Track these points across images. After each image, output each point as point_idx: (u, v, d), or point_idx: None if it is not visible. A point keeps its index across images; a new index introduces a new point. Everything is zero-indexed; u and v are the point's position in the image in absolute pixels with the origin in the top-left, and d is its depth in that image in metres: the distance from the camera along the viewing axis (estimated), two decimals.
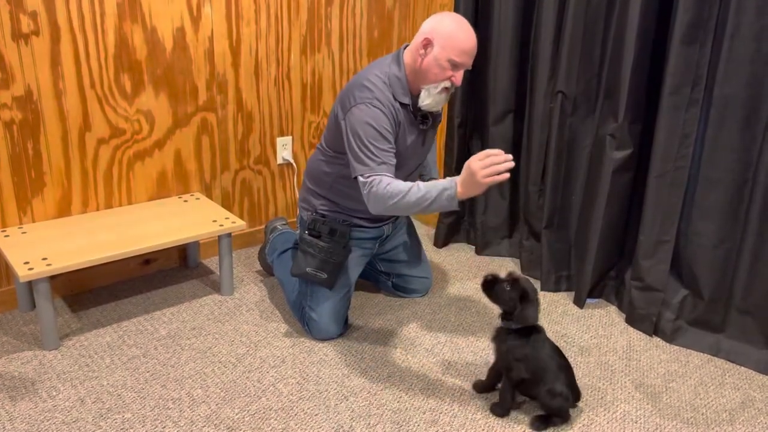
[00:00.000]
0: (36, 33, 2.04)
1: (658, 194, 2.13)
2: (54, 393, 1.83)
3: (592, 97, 2.31)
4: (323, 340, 2.13)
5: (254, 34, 2.51)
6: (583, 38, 2.24)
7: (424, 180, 2.28)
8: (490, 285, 1.75)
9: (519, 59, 2.53)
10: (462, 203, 2.81)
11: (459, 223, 2.90)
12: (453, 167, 2.77)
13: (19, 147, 2.11)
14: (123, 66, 2.23)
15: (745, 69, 1.90)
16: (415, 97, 1.97)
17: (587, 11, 2.21)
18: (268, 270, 2.51)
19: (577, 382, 1.95)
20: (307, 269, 2.07)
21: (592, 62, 2.27)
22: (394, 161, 1.89)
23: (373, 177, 1.83)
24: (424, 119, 2.03)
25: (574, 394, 1.79)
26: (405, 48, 1.98)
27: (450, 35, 1.85)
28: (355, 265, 2.17)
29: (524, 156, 2.60)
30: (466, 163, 1.70)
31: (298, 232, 2.25)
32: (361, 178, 1.86)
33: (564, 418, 1.77)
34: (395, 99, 1.91)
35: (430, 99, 1.92)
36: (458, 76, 1.89)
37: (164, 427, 1.72)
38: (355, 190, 2.00)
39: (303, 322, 2.16)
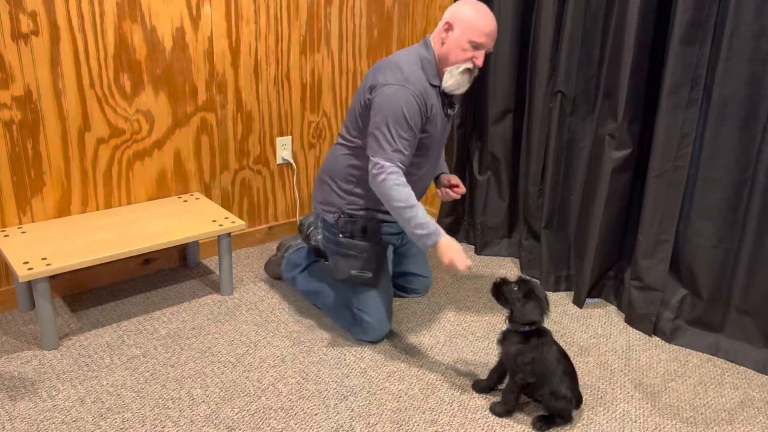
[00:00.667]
0: (35, 33, 2.04)
1: (657, 194, 2.13)
2: (54, 393, 1.83)
3: (592, 96, 2.31)
4: (376, 341, 2.11)
5: (254, 34, 2.51)
6: (583, 38, 2.25)
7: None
8: (499, 287, 1.76)
9: (518, 59, 2.53)
10: (461, 204, 2.81)
11: (458, 223, 2.91)
12: (453, 166, 2.77)
13: (19, 147, 2.11)
14: (122, 66, 2.23)
15: (744, 69, 1.90)
16: (441, 80, 1.98)
17: (586, 11, 2.22)
18: (275, 276, 2.49)
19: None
20: (352, 272, 2.06)
21: (592, 62, 2.27)
22: (410, 151, 1.91)
23: (384, 165, 1.86)
24: (451, 105, 2.04)
25: (577, 398, 1.80)
26: (430, 36, 2.00)
27: (470, 17, 1.89)
28: (389, 260, 2.18)
29: (524, 156, 2.60)
30: (452, 246, 1.83)
31: (319, 237, 2.20)
32: (372, 158, 1.89)
33: (566, 419, 1.78)
34: (429, 82, 1.94)
35: (452, 80, 1.95)
36: (480, 57, 1.93)
37: (164, 426, 1.72)
38: None
39: (351, 327, 2.14)
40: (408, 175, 1.95)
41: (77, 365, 1.95)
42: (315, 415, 1.79)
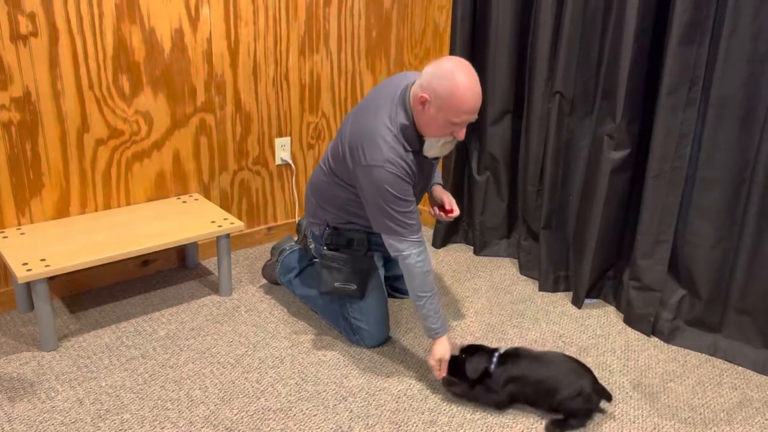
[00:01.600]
0: (34, 34, 2.04)
1: (656, 194, 2.13)
2: (53, 394, 1.83)
3: (590, 97, 2.31)
4: (375, 347, 2.11)
5: (252, 35, 2.51)
6: (581, 39, 2.25)
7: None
8: (453, 368, 1.85)
9: (517, 60, 2.53)
10: (460, 204, 2.80)
11: (457, 224, 2.91)
12: (451, 168, 2.77)
13: (18, 148, 2.11)
14: (121, 67, 2.24)
15: (742, 69, 1.90)
16: (422, 141, 1.87)
17: (585, 12, 2.22)
18: (273, 281, 2.48)
19: None
20: (336, 284, 2.04)
21: (590, 63, 2.27)
22: (416, 215, 1.86)
23: (408, 246, 1.84)
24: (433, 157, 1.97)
25: (599, 394, 1.79)
26: (411, 87, 1.83)
27: (448, 95, 1.69)
28: (380, 269, 2.17)
29: (522, 156, 2.60)
30: (445, 351, 1.86)
31: (311, 247, 2.21)
32: (392, 242, 1.85)
33: (581, 420, 1.77)
34: (406, 150, 1.82)
35: (433, 150, 1.86)
36: (461, 133, 1.79)
37: (163, 427, 1.72)
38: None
39: (348, 333, 2.13)
40: None
41: (76, 366, 1.95)
42: (314, 416, 1.79)
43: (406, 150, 1.82)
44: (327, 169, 2.05)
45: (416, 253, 1.84)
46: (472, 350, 1.85)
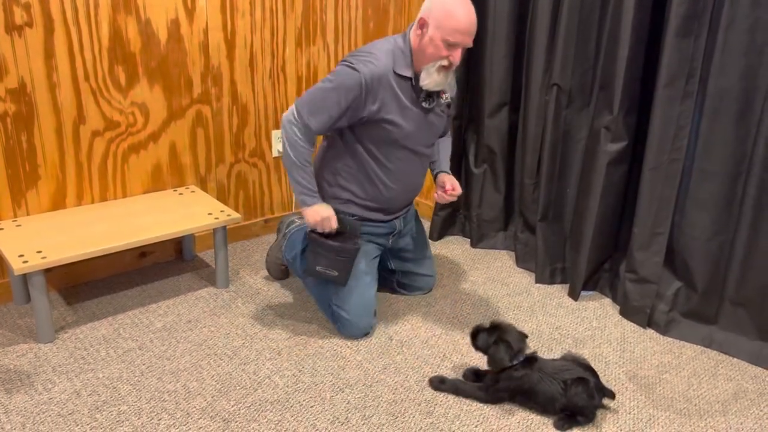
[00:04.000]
0: (29, 25, 2.03)
1: (653, 186, 2.14)
2: (50, 386, 1.83)
3: (587, 89, 2.31)
4: (357, 337, 2.10)
5: (249, 26, 2.50)
6: (578, 31, 2.24)
7: (432, 171, 2.25)
8: (474, 337, 1.83)
9: (514, 52, 2.52)
10: (457, 197, 2.77)
11: (454, 216, 2.91)
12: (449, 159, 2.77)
13: (13, 140, 2.10)
14: (117, 58, 2.23)
15: (739, 61, 1.90)
16: (418, 74, 1.96)
17: (582, 4, 2.21)
18: (276, 275, 2.45)
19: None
20: (317, 268, 2.04)
21: (587, 55, 2.27)
22: (324, 126, 1.94)
23: (291, 112, 1.96)
24: (428, 97, 2.01)
25: (602, 394, 1.78)
26: (411, 27, 1.97)
27: (445, 15, 1.84)
28: (372, 258, 2.16)
29: (519, 148, 2.60)
30: (327, 211, 1.99)
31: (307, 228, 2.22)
32: (296, 111, 1.95)
33: (588, 418, 1.76)
34: (394, 71, 1.92)
35: (429, 79, 1.92)
36: (456, 55, 1.88)
37: (160, 419, 1.72)
38: (363, 170, 2.04)
39: (334, 321, 2.13)
40: (381, 166, 2.02)
41: (73, 358, 1.95)
42: (311, 407, 1.79)
43: (394, 70, 1.91)
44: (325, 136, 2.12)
45: (294, 122, 1.94)
46: (500, 333, 1.78)
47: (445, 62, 1.89)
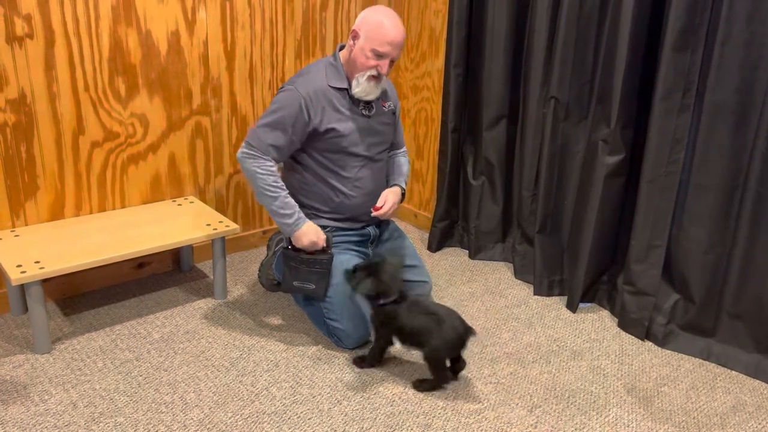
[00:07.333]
0: (30, 36, 2.04)
1: (650, 199, 2.15)
2: (46, 397, 1.82)
3: (585, 102, 2.33)
4: (354, 347, 2.11)
5: (249, 38, 2.52)
6: (576, 44, 2.26)
7: (388, 185, 2.26)
8: (350, 278, 1.92)
9: (512, 65, 2.54)
10: (455, 209, 2.79)
11: (452, 228, 2.91)
12: (446, 171, 2.78)
13: (13, 150, 2.11)
14: (117, 69, 2.23)
15: (735, 75, 1.92)
16: (350, 83, 2.06)
17: (580, 18, 2.23)
18: (270, 288, 2.44)
19: (566, 384, 1.97)
20: (294, 283, 2.07)
21: (585, 68, 2.29)
22: (281, 144, 2.00)
23: (243, 148, 2.02)
24: (366, 105, 2.10)
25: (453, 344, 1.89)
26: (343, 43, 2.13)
27: (374, 26, 1.95)
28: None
29: (517, 161, 2.61)
30: (312, 230, 2.02)
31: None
32: (246, 144, 2.02)
33: (435, 373, 1.91)
34: (329, 85, 2.03)
35: (358, 87, 2.03)
36: (383, 65, 1.99)
37: (157, 431, 1.71)
38: (321, 183, 2.10)
39: (331, 336, 2.13)
40: (336, 176, 2.09)
41: (70, 369, 1.95)
42: (309, 419, 1.78)
43: (328, 84, 2.03)
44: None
45: (246, 154, 2.01)
46: (375, 268, 1.88)
47: (374, 72, 2.00)
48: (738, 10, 1.86)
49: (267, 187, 2.00)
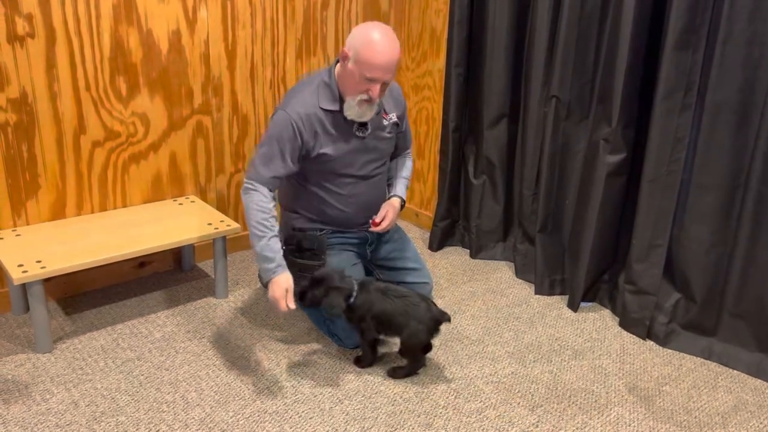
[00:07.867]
0: (31, 35, 2.04)
1: (651, 198, 2.15)
2: (47, 396, 1.82)
3: (586, 101, 2.32)
4: (356, 347, 2.09)
5: (250, 37, 2.52)
6: (577, 44, 2.26)
7: (388, 193, 2.23)
8: (302, 298, 1.90)
9: (513, 64, 2.54)
10: (456, 208, 2.78)
11: (454, 227, 2.91)
12: (447, 170, 2.78)
13: (14, 149, 2.11)
14: (118, 69, 2.23)
15: (737, 74, 1.92)
16: (342, 103, 1.96)
17: (581, 17, 2.23)
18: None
19: (567, 384, 1.97)
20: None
21: (586, 67, 2.28)
22: (280, 174, 1.94)
23: (246, 181, 1.95)
24: (361, 126, 2.01)
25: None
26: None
27: (364, 49, 1.82)
28: (352, 265, 2.14)
29: (518, 160, 2.61)
30: (288, 288, 1.85)
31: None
32: (247, 177, 1.95)
33: (406, 356, 1.96)
34: (320, 107, 1.94)
35: (351, 110, 1.93)
36: (374, 90, 1.86)
37: (158, 430, 1.71)
38: (316, 200, 2.06)
39: (331, 336, 2.13)
40: (330, 194, 2.05)
41: (71, 368, 1.95)
42: (310, 418, 1.78)
43: (321, 107, 1.94)
44: None
45: (248, 188, 1.93)
46: (326, 284, 1.88)
47: (365, 96, 1.88)
48: (739, 9, 1.86)
49: (256, 225, 1.89)
